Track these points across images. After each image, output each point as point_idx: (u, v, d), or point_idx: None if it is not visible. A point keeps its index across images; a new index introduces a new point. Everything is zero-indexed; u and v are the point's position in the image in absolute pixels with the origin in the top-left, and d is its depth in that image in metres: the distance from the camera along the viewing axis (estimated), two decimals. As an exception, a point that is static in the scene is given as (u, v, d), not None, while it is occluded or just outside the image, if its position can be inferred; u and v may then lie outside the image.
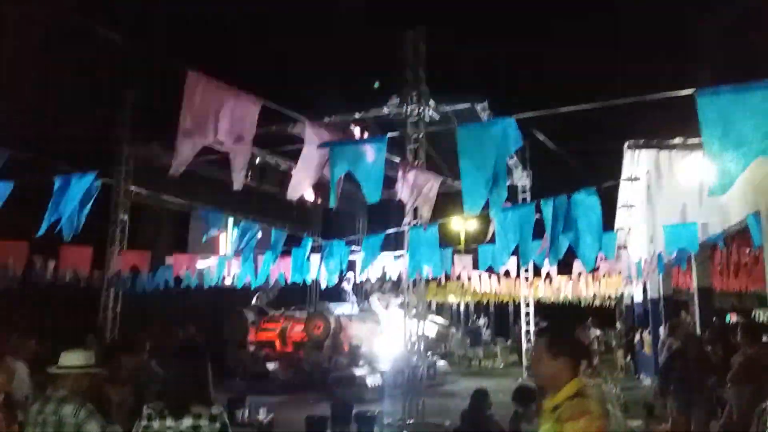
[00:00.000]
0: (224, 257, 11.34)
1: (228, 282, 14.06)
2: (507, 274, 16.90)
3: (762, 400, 6.29)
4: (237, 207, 15.90)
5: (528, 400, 5.32)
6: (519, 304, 18.95)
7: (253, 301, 16.19)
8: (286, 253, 9.36)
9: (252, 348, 14.86)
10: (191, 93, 3.96)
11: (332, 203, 4.50)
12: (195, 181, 16.12)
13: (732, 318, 18.00)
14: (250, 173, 16.63)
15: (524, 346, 17.89)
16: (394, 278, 11.62)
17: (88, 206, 4.80)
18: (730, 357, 7.48)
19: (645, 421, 8.08)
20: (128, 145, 14.61)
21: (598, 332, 18.80)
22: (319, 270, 8.93)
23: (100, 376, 3.86)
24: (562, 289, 20.76)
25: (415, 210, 7.74)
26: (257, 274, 9.47)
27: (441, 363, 16.61)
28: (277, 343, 15.02)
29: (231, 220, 14.37)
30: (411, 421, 10.31)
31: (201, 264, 11.45)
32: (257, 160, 16.99)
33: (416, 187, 5.20)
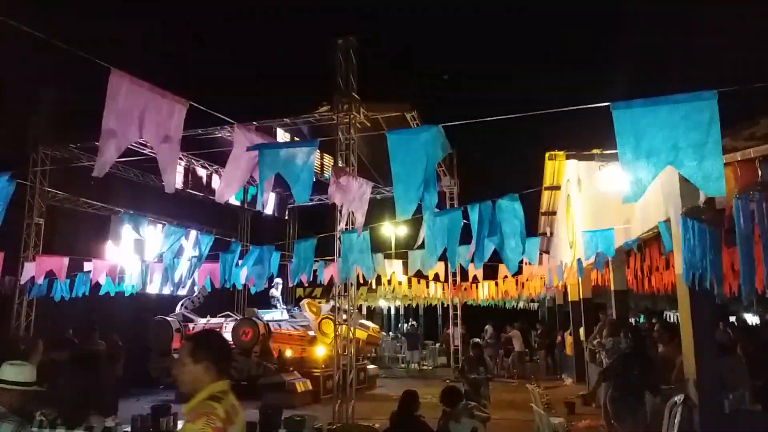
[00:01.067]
0: (146, 262, 10.94)
1: (152, 288, 13.60)
2: (436, 277, 17.23)
3: (671, 396, 6.73)
4: (161, 211, 15.42)
5: (455, 400, 5.45)
6: (447, 307, 19.33)
7: (178, 308, 15.70)
8: (212, 258, 9.16)
9: (176, 356, 14.39)
10: (114, 92, 3.83)
11: (260, 205, 4.49)
12: (115, 184, 15.53)
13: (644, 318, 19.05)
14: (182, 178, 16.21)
15: (452, 348, 18.28)
16: (325, 283, 11.57)
17: (2, 209, 4.54)
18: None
19: (567, 419, 8.41)
20: (44, 146, 13.92)
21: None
22: (248, 275, 8.79)
23: None
24: (487, 292, 21.31)
25: (348, 215, 7.77)
26: (183, 280, 9.20)
27: (371, 367, 16.68)
28: (203, 351, 14.62)
29: (155, 224, 13.97)
30: (339, 424, 10.30)
31: (124, 269, 11.00)
32: (182, 164, 16.57)
33: (349, 192, 5.22)
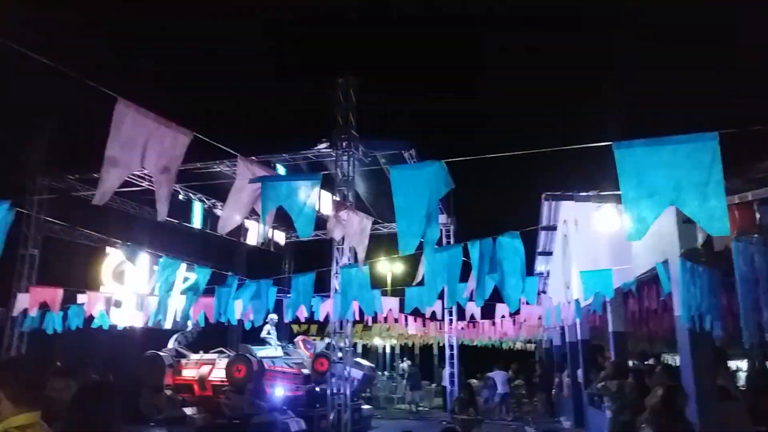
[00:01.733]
0: (142, 296, 10.84)
1: (144, 322, 13.43)
2: (432, 316, 17.10)
3: None
4: (157, 244, 15.38)
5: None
6: (443, 346, 19.13)
7: (170, 343, 15.47)
8: (206, 292, 9.08)
9: (168, 392, 14.13)
10: (119, 121, 3.86)
11: (261, 239, 4.47)
12: (111, 215, 15.51)
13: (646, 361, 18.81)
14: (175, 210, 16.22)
15: (449, 388, 18.01)
16: (321, 319, 11.46)
17: (2, 238, 4.52)
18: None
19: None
20: (41, 176, 13.94)
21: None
22: (243, 310, 8.70)
23: None
24: (485, 332, 21.13)
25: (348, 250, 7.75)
26: (179, 315, 9.10)
27: (366, 407, 16.39)
28: (196, 387, 14.35)
29: (149, 257, 13.91)
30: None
31: (119, 302, 10.89)
32: (180, 197, 16.62)
33: (349, 227, 5.22)
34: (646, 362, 14.84)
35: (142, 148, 3.97)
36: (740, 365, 19.53)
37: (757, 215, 4.50)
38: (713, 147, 2.96)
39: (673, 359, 19.37)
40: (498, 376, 18.37)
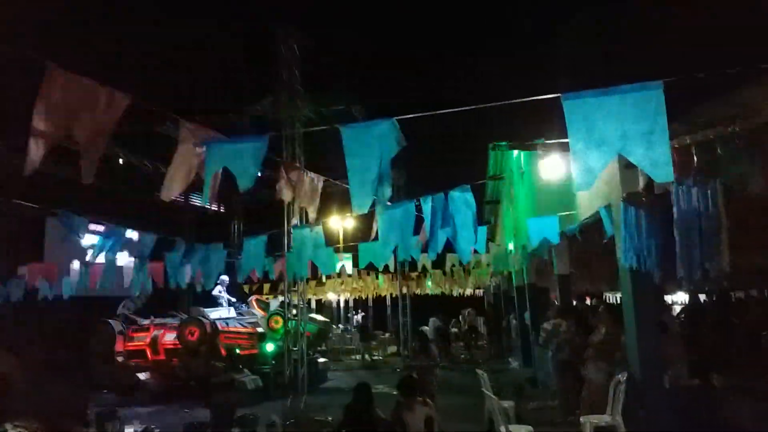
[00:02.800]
0: (86, 264, 10.50)
1: (91, 292, 13.06)
2: (385, 269, 17.31)
3: (615, 375, 7.00)
4: (99, 211, 14.84)
5: (412, 390, 5.48)
6: (396, 297, 19.46)
7: (119, 310, 15.17)
8: (155, 258, 8.88)
9: (120, 359, 13.94)
10: (49, 88, 3.65)
11: (206, 201, 4.38)
12: (49, 183, 14.82)
13: (587, 301, 19.71)
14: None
15: (402, 337, 18.43)
16: (276, 278, 11.43)
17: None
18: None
19: (516, 401, 8.62)
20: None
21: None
22: (194, 275, 8.57)
23: None
24: (436, 282, 21.63)
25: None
26: (134, 281, 8.90)
27: (322, 360, 16.63)
28: (148, 352, 14.20)
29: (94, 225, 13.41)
30: (293, 419, 10.24)
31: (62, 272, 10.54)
32: (121, 161, 16.00)
33: (300, 188, 5.16)
34: (586, 303, 15.56)
35: (72, 115, 3.77)
36: (675, 299, 20.70)
37: (695, 158, 4.67)
38: (658, 96, 3.03)
39: (615, 298, 20.39)
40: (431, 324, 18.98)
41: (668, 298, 17.95)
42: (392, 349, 22.16)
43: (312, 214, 5.56)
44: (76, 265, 10.80)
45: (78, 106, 3.77)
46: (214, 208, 19.34)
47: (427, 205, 5.08)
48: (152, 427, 9.06)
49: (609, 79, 3.10)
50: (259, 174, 4.35)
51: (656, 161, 3.03)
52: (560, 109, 3.73)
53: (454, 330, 22.54)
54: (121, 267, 9.43)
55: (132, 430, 7.55)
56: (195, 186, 4.70)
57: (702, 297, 13.78)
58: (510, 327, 18.47)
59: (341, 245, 19.52)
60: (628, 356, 6.91)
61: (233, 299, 16.44)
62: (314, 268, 9.82)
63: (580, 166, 3.14)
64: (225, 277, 15.66)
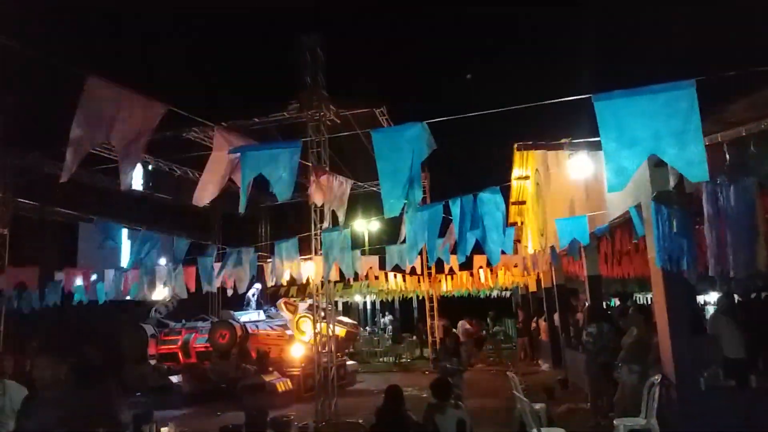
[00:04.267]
0: (121, 269, 10.74)
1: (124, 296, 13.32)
2: (412, 271, 17.32)
3: (649, 377, 6.91)
4: (129, 216, 15.15)
5: (445, 393, 5.49)
6: (423, 299, 19.44)
7: (151, 314, 15.47)
8: (186, 262, 9.04)
9: (153, 362, 14.20)
10: (88, 97, 3.76)
11: (242, 209, 4.46)
12: (82, 190, 15.19)
13: (616, 302, 19.46)
14: (143, 180, 15.95)
15: (429, 339, 18.41)
16: (304, 281, 11.51)
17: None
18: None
19: (547, 404, 8.56)
20: (5, 155, 13.52)
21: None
22: (224, 278, 8.70)
23: None
24: (464, 283, 21.55)
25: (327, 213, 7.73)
26: (167, 286, 9.07)
27: (350, 362, 16.70)
28: (180, 355, 14.45)
29: (125, 230, 13.70)
30: (325, 422, 10.32)
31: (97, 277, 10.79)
32: (150, 167, 16.30)
33: (329, 191, 5.22)
34: (618, 305, 15.30)
35: (109, 123, 3.89)
36: (707, 299, 20.29)
37: (727, 156, 4.61)
38: (690, 94, 3.00)
39: (644, 298, 20.11)
40: (460, 327, 18.82)
41: (700, 299, 17.62)
42: (418, 351, 22.17)
43: (341, 217, 5.61)
44: (110, 270, 11.03)
45: (116, 114, 3.88)
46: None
47: (456, 207, 5.09)
48: (186, 430, 9.22)
49: (640, 79, 3.09)
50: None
51: (691, 160, 3.00)
52: (588, 108, 3.73)
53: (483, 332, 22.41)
54: (154, 271, 9.59)
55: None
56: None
57: (736, 297, 13.48)
58: (539, 328, 18.30)
59: (367, 247, 19.59)
60: (661, 358, 6.83)
61: (261, 302, 16.64)
62: (341, 271, 9.92)
63: (613, 166, 3.13)
64: (259, 285, 15.89)
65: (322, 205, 6.71)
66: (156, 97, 4.03)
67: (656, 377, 6.70)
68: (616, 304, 17.63)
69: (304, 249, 11.19)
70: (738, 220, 4.78)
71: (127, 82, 4.00)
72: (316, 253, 9.96)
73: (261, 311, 16.16)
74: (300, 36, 11.62)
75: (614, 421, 7.03)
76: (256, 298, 16.36)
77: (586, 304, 11.57)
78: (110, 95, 3.80)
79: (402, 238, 5.61)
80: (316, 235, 10.17)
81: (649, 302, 16.40)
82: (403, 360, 20.95)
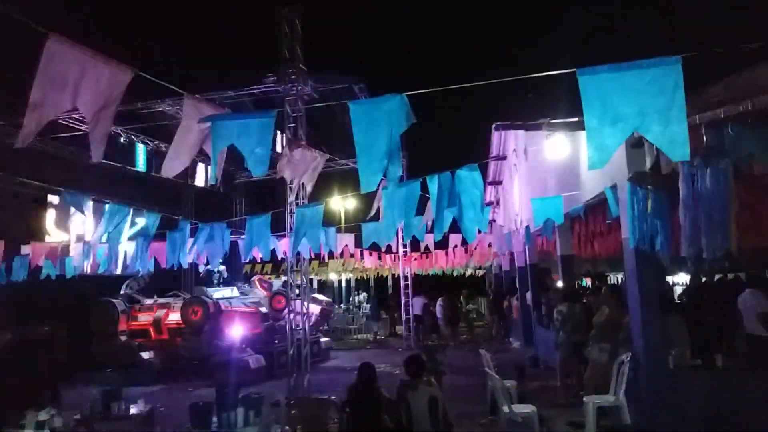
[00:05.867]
0: (89, 244, 10.48)
1: (93, 271, 13.05)
2: (388, 249, 17.31)
3: (619, 355, 7.02)
4: (100, 189, 14.80)
5: (418, 370, 5.48)
6: (398, 277, 19.47)
7: (122, 290, 15.22)
8: (157, 237, 8.85)
9: (123, 338, 14.01)
10: (50, 59, 3.56)
11: (213, 180, 4.33)
12: (50, 162, 14.78)
13: (587, 282, 19.74)
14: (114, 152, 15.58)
15: (404, 317, 18.48)
16: (279, 258, 11.42)
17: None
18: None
19: (518, 381, 8.67)
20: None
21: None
22: (198, 254, 8.54)
23: None
24: (438, 261, 21.65)
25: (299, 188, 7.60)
26: (132, 261, 8.87)
27: (324, 339, 16.72)
28: (152, 332, 14.28)
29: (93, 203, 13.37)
30: (296, 398, 10.30)
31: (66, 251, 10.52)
32: (122, 139, 15.91)
33: (302, 165, 5.10)
34: (588, 284, 15.51)
35: (74, 87, 3.69)
36: (676, 279, 20.71)
37: (705, 138, 4.62)
38: (676, 71, 2.95)
39: (615, 278, 20.42)
40: (416, 302, 18.85)
41: (669, 279, 17.96)
42: (392, 329, 22.29)
43: (308, 189, 5.48)
44: (79, 244, 10.76)
45: (81, 79, 3.69)
46: (216, 186, 19.27)
47: (433, 185, 5.03)
48: (157, 406, 9.10)
49: (623, 55, 3.03)
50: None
51: (673, 140, 2.96)
52: (567, 87, 3.66)
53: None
54: (125, 246, 9.38)
55: (136, 409, 7.55)
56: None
57: (704, 278, 13.76)
58: (511, 307, 18.51)
59: (343, 225, 19.51)
60: (631, 336, 6.93)
61: (225, 276, 16.48)
62: (318, 249, 9.83)
63: (594, 143, 3.08)
64: (224, 267, 15.72)
65: (292, 181, 6.58)
66: (124, 62, 3.85)
67: (626, 356, 6.81)
68: (587, 284, 17.88)
69: (282, 225, 11.08)
70: (712, 202, 4.81)
71: (93, 46, 3.81)
72: (290, 230, 9.85)
73: (234, 288, 16.03)
74: (278, 7, 11.34)
75: (584, 398, 7.14)
76: (218, 277, 16.22)
77: (559, 284, 11.70)
78: (74, 57, 3.60)
79: (373, 213, 5.53)
80: (291, 211, 10.05)
81: (620, 282, 16.68)
82: (379, 337, 21.06)
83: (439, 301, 19.43)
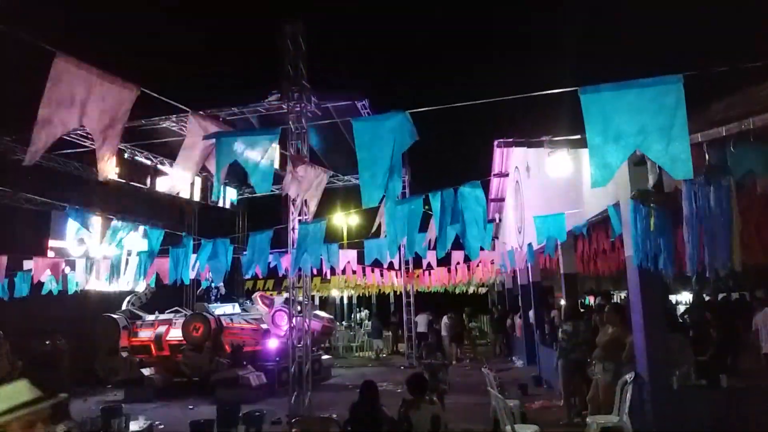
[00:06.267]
0: (92, 259, 10.50)
1: (97, 286, 13.04)
2: (390, 266, 17.27)
3: (622, 375, 6.96)
4: (102, 205, 14.85)
5: (420, 388, 5.44)
6: (400, 294, 19.40)
7: (125, 305, 15.21)
8: (160, 253, 8.85)
9: (125, 353, 13.95)
10: (57, 77, 3.61)
11: (216, 196, 4.34)
12: (55, 178, 14.86)
13: (590, 300, 19.65)
14: (117, 169, 15.65)
15: (406, 335, 18.39)
16: (281, 275, 11.40)
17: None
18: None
19: (521, 400, 8.59)
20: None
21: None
22: (200, 270, 8.54)
23: None
24: (440, 279, 21.58)
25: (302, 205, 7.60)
26: (134, 277, 8.87)
27: (326, 357, 16.63)
28: (153, 348, 14.22)
29: (97, 219, 13.42)
30: (298, 417, 10.22)
31: (67, 267, 10.52)
32: (125, 156, 15.99)
33: (306, 182, 5.12)
34: (599, 302, 15.45)
35: (81, 106, 3.74)
36: (679, 298, 20.59)
37: (707, 156, 4.62)
38: (678, 89, 2.97)
39: (618, 296, 20.34)
40: (420, 319, 18.81)
41: (672, 298, 17.88)
42: (394, 347, 22.17)
43: (312, 207, 5.49)
44: (82, 260, 10.76)
45: (87, 97, 3.73)
46: (219, 203, 19.30)
47: (436, 201, 5.03)
48: (157, 423, 9.05)
49: (624, 74, 3.05)
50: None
51: (675, 157, 2.97)
52: (568, 105, 3.68)
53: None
54: (127, 262, 9.39)
55: (136, 426, 7.52)
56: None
57: (706, 297, 13.70)
58: (514, 325, 18.40)
59: (345, 241, 19.49)
60: (635, 356, 6.88)
61: (223, 293, 16.47)
62: (320, 265, 9.82)
63: (597, 161, 3.09)
64: (221, 284, 15.73)
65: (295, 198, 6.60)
66: (130, 80, 3.89)
67: (629, 375, 6.75)
68: (591, 302, 17.80)
69: (284, 242, 11.08)
70: (715, 220, 4.79)
71: (99, 64, 3.86)
72: (292, 246, 9.84)
73: (236, 305, 15.99)
74: (281, 23, 11.43)
75: (587, 419, 7.07)
76: (216, 293, 16.22)
77: (562, 302, 11.65)
78: (81, 75, 3.65)
79: (374, 229, 5.53)
80: (293, 227, 10.05)
81: (623, 300, 16.59)
82: (382, 355, 20.95)
83: (445, 318, 19.33)
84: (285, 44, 11.18)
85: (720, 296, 14.24)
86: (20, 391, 2.24)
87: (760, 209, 6.68)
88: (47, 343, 10.52)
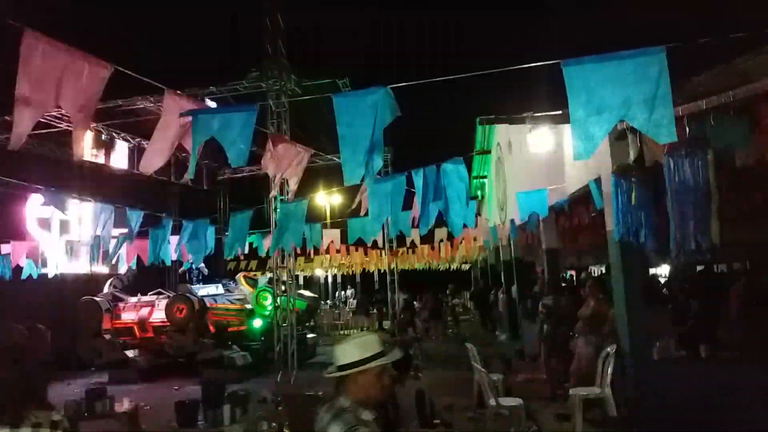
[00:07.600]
0: (71, 242, 10.35)
1: (77, 268, 12.90)
2: (374, 244, 17.28)
3: (604, 347, 7.06)
4: (80, 187, 14.60)
5: (405, 365, 5.47)
6: (384, 273, 19.47)
7: (106, 288, 15.06)
8: (140, 234, 8.74)
9: (108, 336, 13.86)
10: (29, 55, 3.50)
11: (191, 175, 4.28)
12: (30, 160, 14.54)
13: (571, 274, 19.87)
14: (95, 150, 15.39)
15: (390, 312, 18.50)
16: (263, 255, 11.35)
17: None
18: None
19: (504, 374, 8.69)
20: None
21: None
22: (179, 251, 8.46)
23: None
24: (424, 256, 21.68)
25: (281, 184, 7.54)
26: (111, 258, 8.75)
27: (311, 335, 16.67)
28: (136, 330, 14.14)
29: (75, 202, 13.19)
30: (283, 395, 10.25)
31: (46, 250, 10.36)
32: (103, 136, 15.71)
33: (286, 160, 5.04)
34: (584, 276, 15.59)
35: (56, 85, 3.64)
36: (659, 271, 20.90)
37: (687, 129, 4.63)
38: (661, 60, 2.96)
39: (599, 270, 20.58)
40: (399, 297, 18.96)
41: (656, 271, 18.12)
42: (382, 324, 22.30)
43: (293, 186, 5.43)
44: (62, 243, 10.61)
45: (60, 75, 3.63)
46: (198, 184, 19.10)
47: (419, 178, 5.01)
48: (142, 404, 9.01)
49: (608, 47, 3.03)
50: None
51: (659, 122, 2.96)
52: (550, 81, 3.64)
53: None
54: (108, 244, 9.25)
55: (122, 408, 7.47)
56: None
57: (686, 270, 13.89)
58: (497, 301, 18.58)
59: (328, 220, 19.44)
60: (617, 329, 6.97)
61: (205, 273, 16.39)
62: (302, 244, 9.78)
63: (580, 133, 3.08)
64: (202, 264, 15.64)
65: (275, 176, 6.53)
66: (103, 58, 3.78)
67: (611, 347, 6.85)
68: (572, 276, 17.99)
69: (267, 222, 11.01)
70: (695, 194, 4.84)
71: (74, 43, 3.74)
72: (274, 226, 9.79)
73: (220, 285, 15.92)
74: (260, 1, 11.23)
75: (570, 391, 7.18)
76: (197, 274, 16.13)
77: (544, 277, 11.75)
78: (52, 54, 3.54)
79: (354, 206, 5.49)
80: (274, 207, 9.98)
81: (603, 274, 16.79)
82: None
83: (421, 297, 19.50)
84: (263, 21, 11.00)
85: (698, 268, 14.44)
86: (372, 342, 2.50)
87: (739, 183, 6.75)
88: (22, 328, 10.35)
